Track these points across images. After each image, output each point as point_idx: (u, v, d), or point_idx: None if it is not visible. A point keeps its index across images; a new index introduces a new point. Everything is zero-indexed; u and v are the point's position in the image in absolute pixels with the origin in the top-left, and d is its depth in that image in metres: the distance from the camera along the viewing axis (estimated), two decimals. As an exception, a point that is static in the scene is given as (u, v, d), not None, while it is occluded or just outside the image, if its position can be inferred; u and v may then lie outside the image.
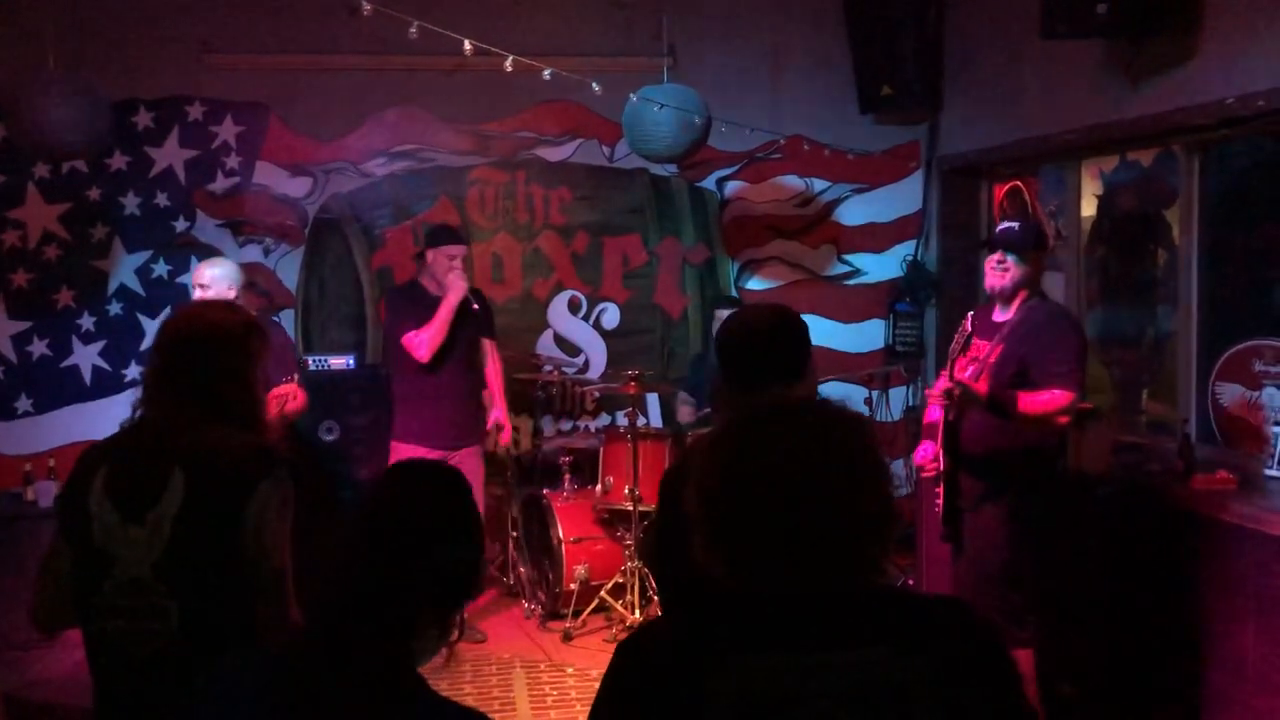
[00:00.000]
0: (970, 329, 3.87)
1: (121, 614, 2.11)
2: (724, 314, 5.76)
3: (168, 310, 5.85)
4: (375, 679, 1.51)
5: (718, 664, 1.38)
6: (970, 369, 3.82)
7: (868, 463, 1.45)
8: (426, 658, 1.62)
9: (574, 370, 6.18)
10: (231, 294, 4.41)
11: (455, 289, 4.85)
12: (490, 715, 1.59)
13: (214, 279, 4.47)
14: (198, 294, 4.47)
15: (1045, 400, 3.65)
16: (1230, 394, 4.52)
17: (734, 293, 6.34)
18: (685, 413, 5.88)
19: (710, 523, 1.45)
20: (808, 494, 1.40)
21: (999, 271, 3.81)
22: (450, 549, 1.59)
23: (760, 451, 1.44)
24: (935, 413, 3.93)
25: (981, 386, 3.68)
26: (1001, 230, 3.92)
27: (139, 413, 2.28)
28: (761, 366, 2.34)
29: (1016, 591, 3.76)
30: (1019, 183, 6.02)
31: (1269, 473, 4.16)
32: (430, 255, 4.98)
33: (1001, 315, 3.87)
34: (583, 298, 6.29)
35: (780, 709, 1.35)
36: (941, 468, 3.84)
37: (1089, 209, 5.47)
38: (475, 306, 4.97)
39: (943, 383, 3.73)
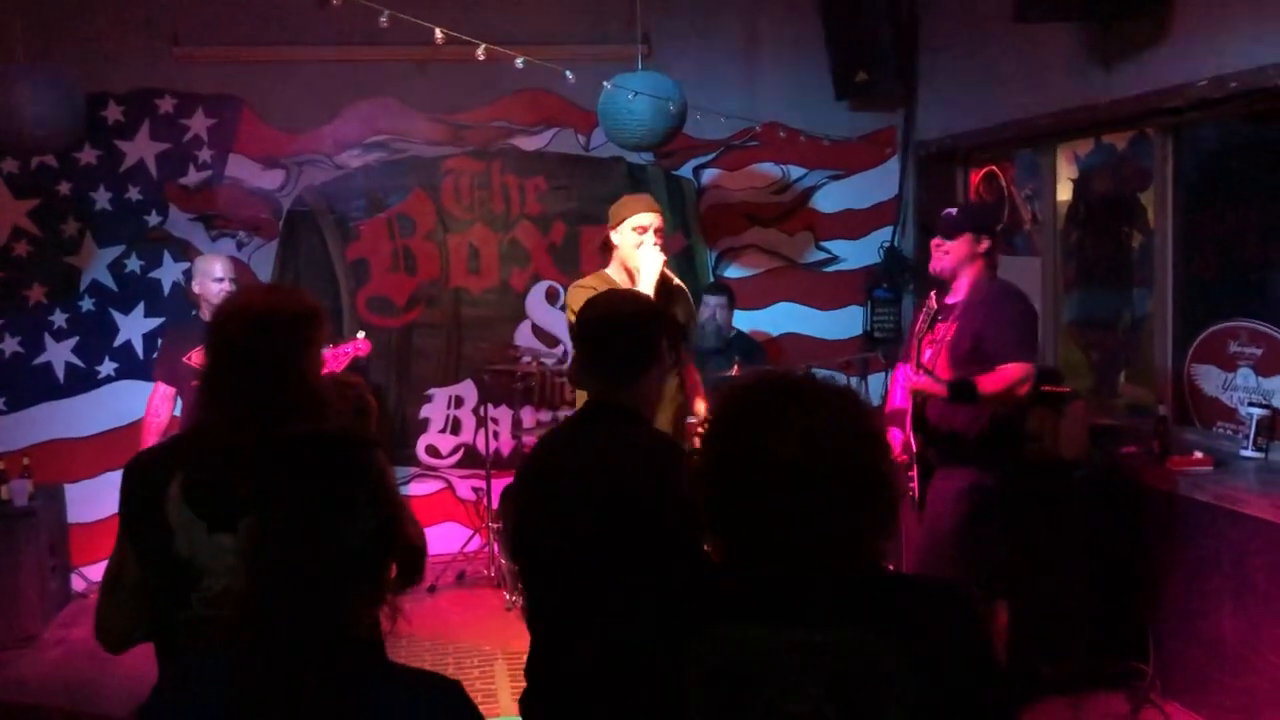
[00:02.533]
0: (935, 306, 3.96)
1: (214, 627, 2.00)
2: (712, 299, 5.82)
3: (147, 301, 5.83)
4: (323, 662, 1.48)
5: (699, 631, 1.39)
6: (929, 351, 3.94)
7: (870, 445, 1.44)
8: (369, 628, 1.59)
9: (553, 361, 6.15)
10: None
11: (649, 263, 3.89)
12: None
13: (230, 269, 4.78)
14: (222, 288, 4.70)
15: (1002, 376, 3.76)
16: (1206, 375, 4.55)
17: (711, 279, 6.32)
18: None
19: (709, 499, 1.45)
20: (809, 476, 1.39)
21: (939, 255, 3.97)
22: (355, 520, 1.53)
23: (763, 429, 1.42)
24: (898, 399, 4.01)
25: (942, 378, 3.80)
26: (943, 215, 4.05)
27: (200, 416, 2.15)
28: (607, 358, 2.36)
29: (968, 561, 3.81)
30: (995, 167, 6.03)
31: (1244, 453, 4.19)
32: (614, 237, 4.02)
33: (952, 298, 4.00)
34: (560, 288, 6.26)
35: (755, 680, 1.36)
36: (914, 450, 3.89)
37: (1065, 193, 5.49)
38: (677, 281, 4.12)
39: (905, 377, 3.87)
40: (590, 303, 2.49)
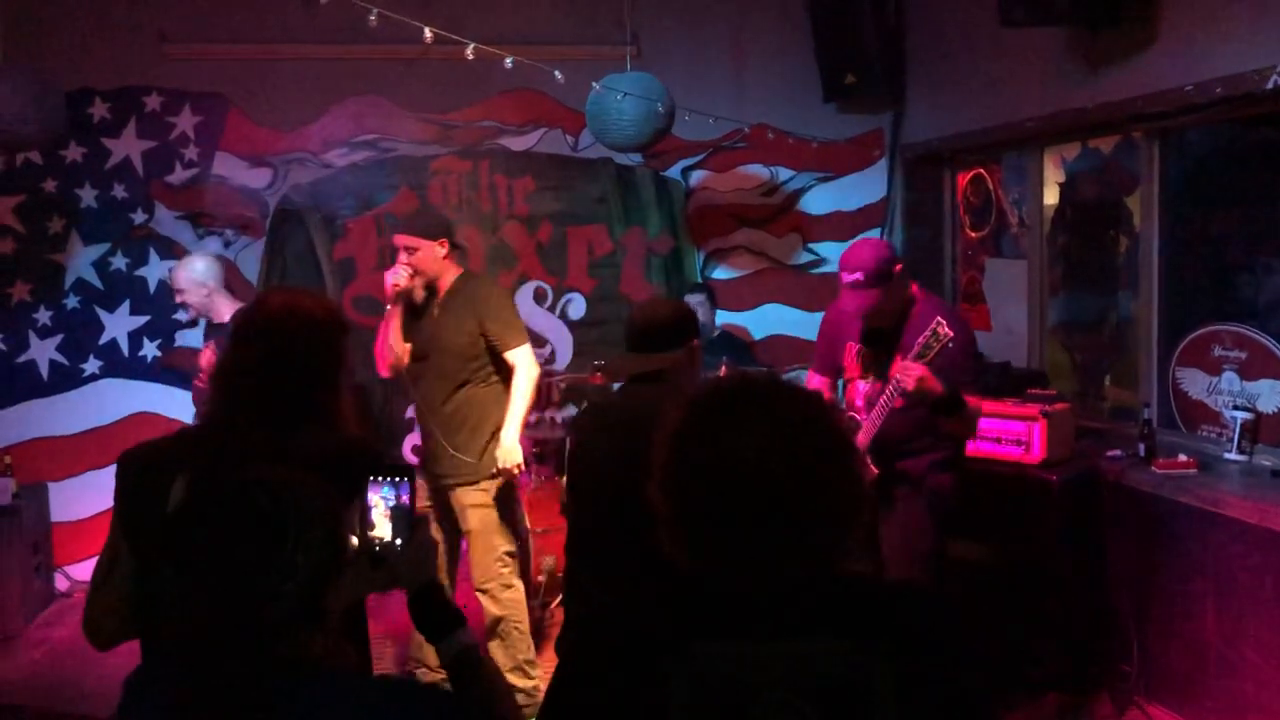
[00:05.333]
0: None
1: None
2: (692, 299, 5.82)
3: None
4: (268, 671, 1.49)
5: (677, 648, 1.35)
6: (867, 382, 3.78)
7: (834, 448, 1.41)
8: (317, 642, 1.58)
9: (540, 361, 6.14)
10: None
11: (387, 280, 4.21)
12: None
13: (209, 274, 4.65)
14: (196, 295, 4.62)
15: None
16: (1190, 379, 4.57)
17: (699, 280, 6.33)
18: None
19: (672, 511, 1.41)
20: (771, 482, 1.36)
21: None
22: (300, 546, 1.52)
23: (723, 437, 1.39)
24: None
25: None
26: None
27: (213, 411, 2.08)
28: (655, 338, 2.95)
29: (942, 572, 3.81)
30: (982, 170, 6.05)
31: (1228, 456, 4.21)
32: None
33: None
34: (548, 288, 6.26)
35: (737, 697, 1.33)
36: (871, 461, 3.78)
37: (1051, 197, 5.51)
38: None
39: (915, 370, 3.49)
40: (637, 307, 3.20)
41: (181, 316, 5.09)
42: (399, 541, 1.82)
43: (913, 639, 1.39)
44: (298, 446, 1.98)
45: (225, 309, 4.65)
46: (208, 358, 4.54)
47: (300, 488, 1.57)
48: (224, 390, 2.09)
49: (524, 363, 4.21)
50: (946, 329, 3.40)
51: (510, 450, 4.16)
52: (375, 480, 1.83)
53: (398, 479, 1.84)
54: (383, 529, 1.82)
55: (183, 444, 2.11)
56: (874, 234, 6.50)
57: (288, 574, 1.51)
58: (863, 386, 3.78)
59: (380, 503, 1.82)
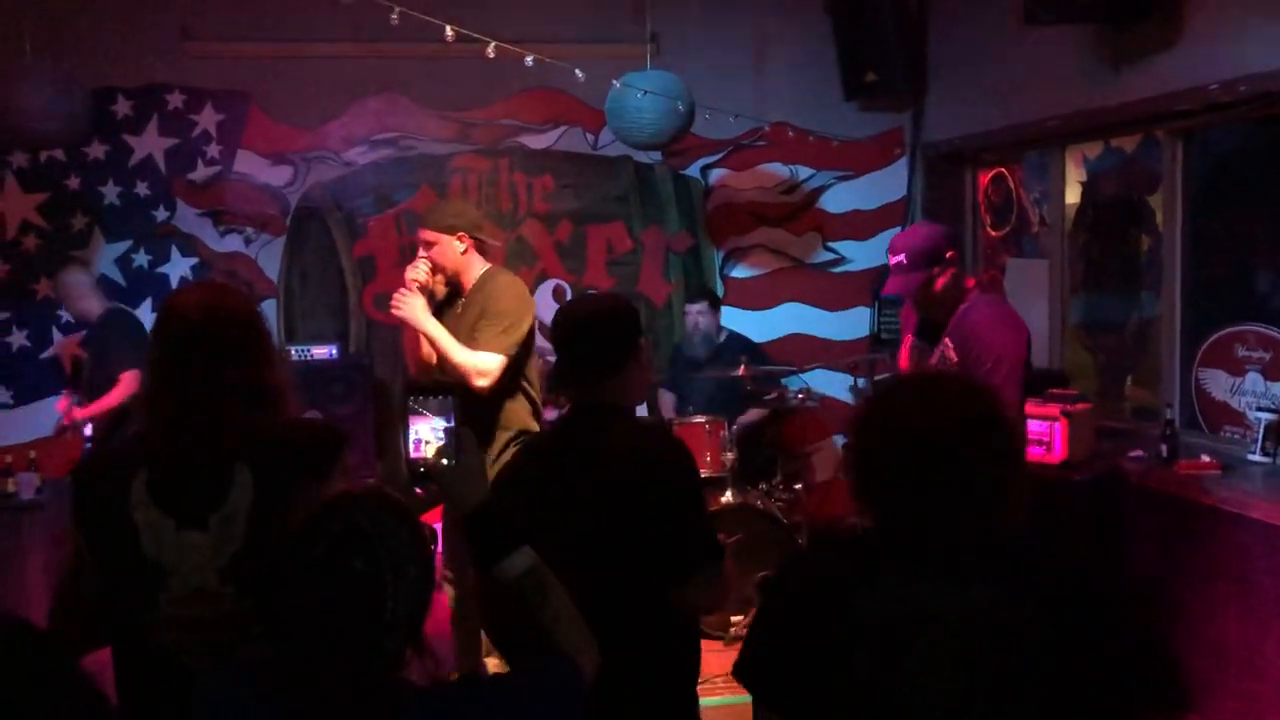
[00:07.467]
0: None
1: (182, 627, 1.94)
2: (692, 308, 5.82)
3: (149, 299, 5.84)
4: (363, 693, 1.51)
5: (863, 587, 1.58)
6: None
7: (995, 427, 1.64)
8: (410, 661, 1.61)
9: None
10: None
11: (408, 275, 4.00)
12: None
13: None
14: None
15: None
16: (1213, 379, 4.54)
17: (719, 281, 6.32)
18: (667, 405, 5.92)
19: (862, 474, 1.67)
20: (946, 451, 1.59)
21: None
22: (400, 598, 1.54)
23: (902, 418, 1.65)
24: None
25: None
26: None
27: (157, 412, 2.03)
28: (585, 358, 2.35)
29: None
30: (1003, 169, 6.02)
31: (1251, 457, 4.18)
32: None
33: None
34: (567, 286, 6.27)
35: (916, 627, 1.55)
36: None
37: (1073, 195, 5.48)
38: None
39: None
40: (562, 308, 2.54)
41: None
42: (445, 461, 1.83)
43: (1070, 593, 1.63)
44: (257, 430, 1.97)
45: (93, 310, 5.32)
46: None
47: (388, 531, 1.56)
48: (155, 389, 2.04)
49: (486, 360, 3.83)
50: (953, 354, 3.49)
51: (414, 306, 3.87)
52: (417, 402, 1.86)
53: (440, 398, 1.86)
54: (429, 450, 1.85)
55: (134, 445, 2.07)
56: (894, 232, 6.47)
57: (390, 630, 1.53)
58: None
59: (424, 426, 1.85)
